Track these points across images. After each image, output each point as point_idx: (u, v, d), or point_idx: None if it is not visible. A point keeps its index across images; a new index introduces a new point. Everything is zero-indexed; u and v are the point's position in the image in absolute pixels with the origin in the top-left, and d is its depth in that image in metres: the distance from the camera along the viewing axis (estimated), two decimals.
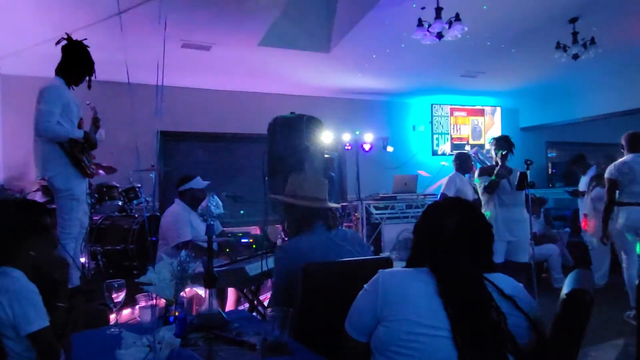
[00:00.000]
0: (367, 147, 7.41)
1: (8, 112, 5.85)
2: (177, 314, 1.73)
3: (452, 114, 8.86)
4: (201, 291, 3.74)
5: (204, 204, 2.03)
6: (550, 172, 10.28)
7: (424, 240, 1.54)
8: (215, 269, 3.59)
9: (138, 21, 4.81)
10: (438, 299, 1.35)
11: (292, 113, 3.85)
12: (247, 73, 6.69)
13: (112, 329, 1.86)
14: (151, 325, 1.37)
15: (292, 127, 3.72)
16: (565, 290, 1.34)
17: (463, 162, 5.09)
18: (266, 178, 3.53)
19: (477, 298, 1.38)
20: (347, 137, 7.25)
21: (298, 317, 1.79)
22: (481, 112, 9.13)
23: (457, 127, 8.89)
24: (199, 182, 3.96)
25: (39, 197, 5.00)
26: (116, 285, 1.86)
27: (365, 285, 1.48)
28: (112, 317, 2.19)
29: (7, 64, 5.66)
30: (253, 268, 2.90)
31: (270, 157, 3.68)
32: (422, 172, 8.28)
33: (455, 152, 6.51)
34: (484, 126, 9.09)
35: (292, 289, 1.87)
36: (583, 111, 8.61)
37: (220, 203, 1.93)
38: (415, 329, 1.33)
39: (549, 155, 10.44)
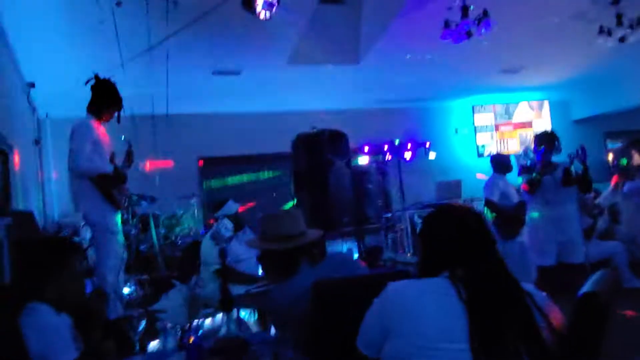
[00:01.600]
0: (408, 155, 7.25)
1: (60, 154, 6.21)
2: (192, 339, 1.70)
3: (497, 129, 8.54)
4: (243, 314, 3.75)
5: (215, 227, 2.00)
6: (612, 164, 9.64)
7: (439, 247, 1.44)
8: (252, 290, 3.61)
9: (167, 54, 4.98)
10: (456, 309, 1.26)
11: (313, 128, 3.81)
12: (279, 93, 6.76)
13: (135, 358, 1.86)
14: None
15: (313, 142, 3.69)
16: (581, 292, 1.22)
17: (501, 163, 4.86)
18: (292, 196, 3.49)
19: (513, 306, 1.29)
20: (385, 147, 7.12)
21: (312, 337, 1.72)
22: (529, 125, 8.72)
23: (504, 142, 8.55)
24: (230, 207, 3.99)
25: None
26: (136, 315, 1.87)
27: (374, 299, 1.41)
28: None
29: (55, 107, 6.02)
30: None
31: (295, 174, 3.65)
32: (480, 176, 7.97)
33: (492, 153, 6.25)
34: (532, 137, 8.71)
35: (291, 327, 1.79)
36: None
37: (230, 226, 1.90)
38: (427, 343, 1.25)
39: (609, 146, 9.81)
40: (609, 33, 5.41)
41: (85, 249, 5.16)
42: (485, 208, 4.74)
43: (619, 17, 5.29)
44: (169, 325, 1.76)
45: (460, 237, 1.40)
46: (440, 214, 1.52)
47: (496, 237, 4.32)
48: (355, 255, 5.90)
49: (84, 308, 2.07)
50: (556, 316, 1.35)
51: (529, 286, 1.39)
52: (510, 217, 4.50)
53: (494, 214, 4.59)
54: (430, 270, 1.41)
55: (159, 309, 1.72)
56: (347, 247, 6.87)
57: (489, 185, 4.74)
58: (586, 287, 1.26)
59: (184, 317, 1.70)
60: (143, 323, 1.85)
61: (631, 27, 5.30)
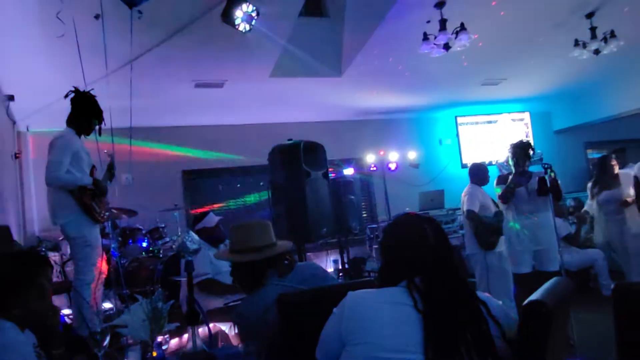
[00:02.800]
0: (392, 166, 7.29)
1: (40, 167, 6.15)
2: (154, 354, 1.69)
3: (480, 140, 8.65)
4: (225, 327, 3.72)
5: (180, 239, 1.99)
6: (591, 173, 9.77)
7: (397, 256, 1.46)
8: (230, 303, 3.58)
9: (148, 67, 4.99)
10: (413, 319, 1.27)
11: (289, 140, 3.83)
12: (262, 105, 6.78)
13: None
14: None
15: (289, 154, 3.69)
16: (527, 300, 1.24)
17: (479, 173, 4.89)
18: (270, 208, 3.48)
19: (468, 316, 1.30)
20: (371, 158, 7.16)
21: (279, 349, 1.72)
22: (511, 136, 8.72)
23: (487, 153, 8.59)
24: (211, 220, 3.96)
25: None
26: (99, 330, 1.84)
27: (334, 309, 1.42)
28: None
29: (35, 121, 5.99)
30: None
31: (272, 187, 3.65)
32: None
33: (492, 161, 6.29)
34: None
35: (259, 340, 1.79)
36: (619, 107, 8.19)
37: (196, 238, 1.90)
38: (379, 353, 1.25)
39: (589, 156, 9.95)
40: (584, 46, 5.53)
41: (64, 263, 5.12)
42: (467, 219, 4.76)
43: (593, 30, 5.42)
44: (130, 340, 1.74)
45: (417, 246, 1.41)
46: (398, 224, 1.53)
47: (477, 248, 4.35)
48: (330, 269, 5.89)
49: (49, 325, 2.03)
50: (510, 324, 1.36)
51: (484, 295, 1.40)
52: (490, 227, 4.52)
53: (475, 225, 4.62)
54: (389, 280, 1.41)
55: (120, 324, 1.69)
56: (332, 259, 6.90)
57: (469, 195, 4.76)
58: (534, 295, 1.28)
59: (146, 332, 1.68)
60: (107, 338, 1.83)
61: (605, 40, 5.42)
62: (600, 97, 8.22)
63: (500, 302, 1.43)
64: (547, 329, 1.21)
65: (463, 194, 4.77)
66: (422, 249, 1.41)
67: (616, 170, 5.15)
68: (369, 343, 1.27)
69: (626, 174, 5.00)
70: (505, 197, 4.14)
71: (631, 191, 4.76)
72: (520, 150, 4.14)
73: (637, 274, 4.82)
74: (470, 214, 4.64)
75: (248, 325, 1.90)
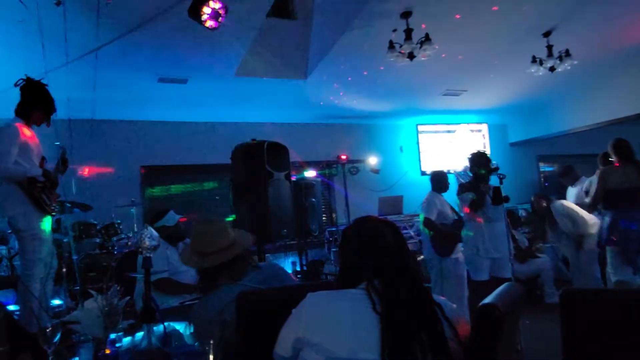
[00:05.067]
0: (354, 170, 7.38)
1: None
2: (108, 352, 1.65)
3: (439, 149, 8.86)
4: (179, 326, 3.66)
5: (139, 235, 1.96)
6: (542, 185, 10.20)
7: (356, 258, 1.47)
8: (186, 302, 3.54)
9: (111, 58, 4.86)
10: (370, 321, 1.29)
11: (253, 140, 3.82)
12: (225, 103, 6.72)
13: None
14: None
15: (252, 154, 3.68)
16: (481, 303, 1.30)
17: (440, 181, 5.02)
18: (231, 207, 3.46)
19: (424, 317, 1.33)
20: (332, 161, 7.22)
21: (236, 349, 1.72)
22: (469, 146, 9.03)
23: (446, 161, 8.79)
24: (171, 218, 3.90)
25: None
26: (50, 326, 1.79)
27: (293, 310, 1.43)
28: None
29: None
30: None
31: (234, 186, 3.63)
32: None
33: (449, 170, 6.44)
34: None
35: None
36: (570, 123, 8.58)
37: (155, 235, 1.87)
38: (337, 354, 1.27)
39: (541, 169, 10.38)
40: (541, 63, 5.78)
41: (11, 257, 4.91)
42: (423, 226, 4.87)
43: (549, 48, 5.67)
44: (83, 337, 1.70)
45: (376, 249, 1.43)
46: (358, 227, 1.54)
47: (433, 254, 4.46)
48: (289, 270, 5.89)
49: None
50: (464, 327, 1.42)
51: (439, 298, 1.45)
52: (447, 234, 4.64)
53: (431, 232, 4.73)
54: (348, 282, 1.43)
55: (73, 320, 1.65)
56: (290, 260, 6.90)
57: (427, 203, 4.87)
58: (488, 299, 1.34)
59: (100, 328, 1.65)
60: (58, 335, 1.78)
61: (560, 58, 5.68)
62: (553, 112, 8.60)
63: (455, 306, 1.48)
64: (498, 331, 1.27)
65: (423, 201, 4.88)
66: (382, 251, 1.43)
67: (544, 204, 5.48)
68: (327, 344, 1.28)
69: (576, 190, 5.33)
70: (477, 205, 4.23)
71: (586, 199, 5.00)
72: (484, 160, 4.28)
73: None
74: (426, 221, 4.75)
75: (204, 325, 1.89)
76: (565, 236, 5.33)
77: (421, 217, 4.87)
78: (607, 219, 4.45)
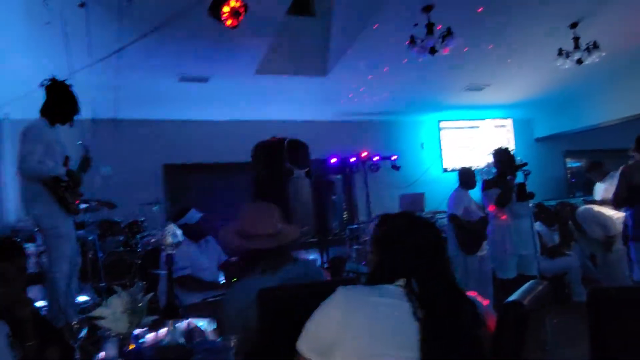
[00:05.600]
0: (374, 168, 7.34)
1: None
2: (132, 347, 1.67)
3: (462, 145, 8.73)
4: (201, 323, 3.69)
5: (164, 232, 1.96)
6: (569, 181, 9.97)
7: (395, 255, 1.40)
8: (209, 299, 3.56)
9: (133, 59, 4.92)
10: (409, 319, 1.26)
11: (273, 137, 3.82)
12: (246, 102, 6.75)
13: None
14: None
15: (273, 151, 3.68)
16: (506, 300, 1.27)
17: (467, 178, 4.95)
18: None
19: (462, 318, 1.30)
20: (352, 159, 7.19)
21: (259, 345, 1.72)
22: (493, 141, 8.86)
23: (469, 158, 8.68)
24: (192, 216, 3.93)
25: None
26: (76, 322, 1.81)
27: (323, 303, 1.36)
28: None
29: (15, 109, 5.85)
30: None
31: (255, 183, 3.64)
32: None
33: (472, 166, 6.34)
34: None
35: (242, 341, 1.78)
36: (598, 117, 8.36)
37: (178, 232, 1.88)
38: (375, 350, 1.24)
39: (568, 165, 10.15)
40: (567, 55, 5.64)
41: (39, 254, 5.02)
42: (450, 223, 4.81)
43: (576, 40, 5.53)
44: (108, 333, 1.72)
45: (416, 246, 1.38)
46: (397, 222, 1.48)
47: (458, 251, 4.39)
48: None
49: (20, 316, 1.99)
50: (492, 324, 1.38)
51: (472, 297, 1.41)
52: (473, 232, 4.58)
53: (457, 229, 4.68)
54: (383, 278, 1.38)
55: (97, 315, 1.67)
56: (311, 258, 6.89)
57: (454, 199, 4.82)
58: (513, 296, 1.30)
59: (124, 324, 1.67)
60: (84, 331, 1.80)
61: (588, 50, 5.53)
62: (581, 106, 8.38)
63: (484, 303, 1.45)
64: (523, 329, 1.24)
65: (450, 197, 4.83)
66: (421, 249, 1.38)
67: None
68: (365, 341, 1.24)
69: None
70: (504, 201, 4.15)
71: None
72: (509, 156, 4.20)
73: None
74: (452, 217, 4.69)
75: (233, 313, 1.87)
76: (595, 241, 5.23)
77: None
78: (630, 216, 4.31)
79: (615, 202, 4.40)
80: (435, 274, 1.35)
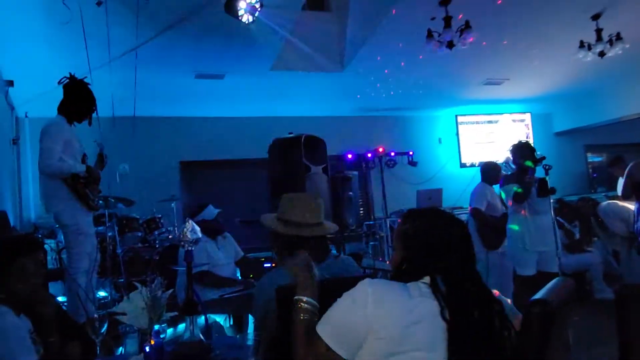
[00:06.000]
0: (391, 163, 7.30)
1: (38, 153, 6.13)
2: (152, 342, 1.67)
3: (480, 140, 8.63)
4: (219, 318, 3.71)
5: (180, 229, 1.96)
6: (590, 176, 9.79)
7: (422, 252, 1.36)
8: (226, 295, 3.57)
9: (150, 57, 4.95)
10: (436, 318, 1.23)
11: (290, 133, 3.81)
12: (262, 98, 6.76)
13: None
14: None
15: (289, 148, 3.66)
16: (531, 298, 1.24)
17: (490, 173, 4.88)
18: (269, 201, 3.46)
19: (490, 318, 1.28)
20: (369, 155, 7.15)
21: (278, 343, 1.71)
22: (512, 136, 8.74)
23: (487, 153, 8.56)
24: (210, 212, 3.95)
25: None
26: (98, 317, 1.83)
27: (347, 294, 1.32)
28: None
29: (34, 107, 5.94)
30: None
31: (271, 180, 3.63)
32: None
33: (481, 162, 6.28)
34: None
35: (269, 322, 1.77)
36: (620, 111, 8.18)
37: (197, 228, 1.88)
38: (402, 348, 1.21)
39: (589, 159, 9.96)
40: (589, 47, 5.52)
41: (60, 250, 5.10)
42: (471, 217, 4.77)
43: (598, 32, 5.40)
44: (129, 328, 1.73)
45: (445, 243, 1.35)
46: (427, 217, 1.44)
47: (480, 246, 4.33)
48: None
49: (42, 313, 2.01)
50: (517, 323, 1.35)
51: (498, 295, 1.38)
52: (496, 227, 4.52)
53: (479, 224, 4.63)
54: (408, 276, 1.34)
55: (119, 311, 1.68)
56: None
57: (477, 194, 4.76)
58: (538, 294, 1.27)
59: (145, 320, 1.67)
60: (105, 326, 1.82)
61: (610, 42, 5.40)
62: (602, 100, 8.21)
63: (510, 301, 1.42)
64: (549, 328, 1.21)
65: (472, 192, 4.78)
66: (448, 247, 1.35)
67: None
68: (393, 337, 1.22)
69: None
70: (523, 197, 4.08)
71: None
72: (529, 151, 4.13)
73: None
74: (475, 212, 4.65)
75: (263, 300, 1.85)
76: (618, 236, 5.13)
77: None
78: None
79: (622, 196, 4.66)
80: (461, 272, 1.32)
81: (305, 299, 1.46)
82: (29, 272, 1.95)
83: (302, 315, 1.43)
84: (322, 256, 2.01)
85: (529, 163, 4.04)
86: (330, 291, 1.73)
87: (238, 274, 4.20)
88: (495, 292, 1.41)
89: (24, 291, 1.93)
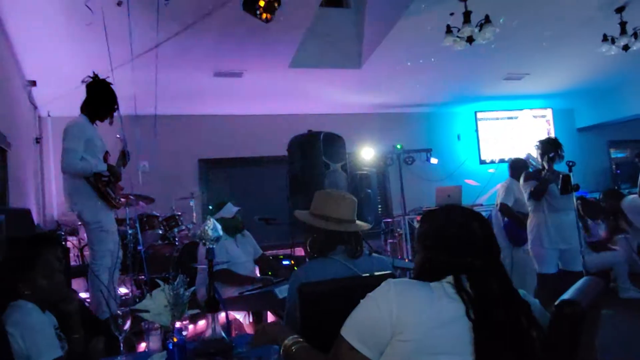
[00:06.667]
0: (409, 161, 7.25)
1: (60, 152, 6.23)
2: (175, 340, 1.68)
3: (500, 136, 8.51)
4: (239, 315, 3.72)
5: (202, 227, 1.97)
6: (614, 172, 9.58)
7: (444, 250, 1.32)
8: (245, 293, 3.59)
9: (170, 55, 4.98)
10: (461, 319, 1.19)
11: (309, 131, 3.79)
12: (281, 95, 6.76)
13: (120, 358, 1.84)
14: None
15: (308, 145, 3.65)
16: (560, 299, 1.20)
17: (519, 169, 4.82)
18: (288, 199, 3.46)
19: (517, 320, 1.24)
20: (388, 152, 7.11)
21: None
22: (532, 132, 8.64)
23: (507, 149, 8.46)
24: (229, 210, 3.96)
25: None
26: (121, 314, 1.84)
27: (371, 294, 1.29)
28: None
29: (56, 107, 6.04)
30: (282, 290, 2.83)
31: (291, 178, 3.62)
32: (470, 181, 7.99)
33: (509, 158, 6.19)
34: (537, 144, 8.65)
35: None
36: None
37: (218, 226, 1.88)
38: (428, 350, 1.18)
39: (612, 155, 9.75)
40: (613, 41, 5.39)
41: (82, 248, 5.18)
42: (499, 212, 4.73)
43: (622, 25, 5.28)
44: (152, 325, 1.74)
45: (467, 241, 1.31)
46: (444, 217, 1.39)
47: (506, 242, 4.27)
48: None
49: (67, 310, 2.05)
50: (545, 324, 1.31)
51: (526, 295, 1.34)
52: (522, 223, 4.47)
53: (507, 219, 4.59)
54: (431, 275, 1.31)
55: (142, 308, 1.69)
56: None
57: (505, 189, 4.72)
58: (566, 295, 1.23)
59: (167, 317, 1.68)
60: (128, 322, 1.83)
61: (635, 35, 5.27)
62: (626, 94, 8.03)
63: (537, 301, 1.38)
64: (578, 329, 1.17)
65: (500, 187, 4.74)
66: (471, 244, 1.30)
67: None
68: (419, 341, 1.18)
69: None
70: (538, 194, 4.03)
71: None
72: (552, 147, 4.05)
73: None
74: (503, 207, 4.61)
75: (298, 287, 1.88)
76: None
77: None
78: None
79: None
80: (485, 269, 1.28)
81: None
82: (54, 268, 1.99)
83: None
84: (358, 253, 2.06)
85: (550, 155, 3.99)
86: (334, 292, 1.75)
87: (257, 272, 4.22)
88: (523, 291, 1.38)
89: (49, 287, 1.96)
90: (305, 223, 2.10)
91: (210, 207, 4.15)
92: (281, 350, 1.49)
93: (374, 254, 2.19)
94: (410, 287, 1.27)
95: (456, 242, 1.31)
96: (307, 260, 2.22)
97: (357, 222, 2.10)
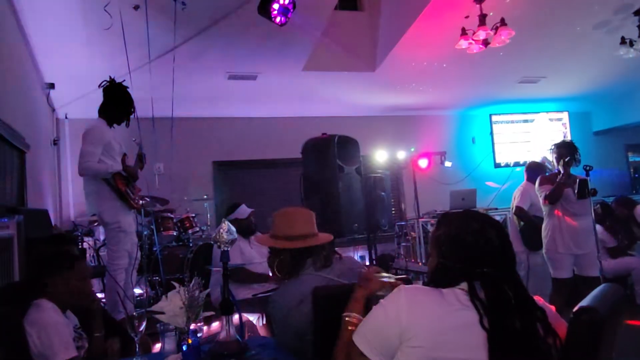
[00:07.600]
0: (423, 164, 7.21)
1: (77, 154, 6.32)
2: (190, 341, 1.69)
3: (515, 140, 8.44)
4: (252, 317, 3.74)
5: (216, 229, 1.98)
6: (632, 176, 9.43)
7: (458, 256, 1.31)
8: (258, 295, 3.60)
9: (185, 58, 5.03)
10: (475, 327, 1.18)
11: (323, 134, 3.80)
12: (295, 98, 6.78)
13: (135, 359, 1.86)
14: None
15: (322, 148, 3.66)
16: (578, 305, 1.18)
17: (535, 172, 4.77)
18: (302, 201, 3.47)
19: (533, 329, 1.22)
20: (401, 154, 7.08)
21: (315, 344, 1.71)
22: (548, 135, 8.54)
23: (522, 152, 8.39)
24: (242, 211, 3.99)
25: None
26: (137, 315, 1.86)
27: (383, 301, 1.30)
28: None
29: (74, 109, 6.13)
30: None
31: (305, 180, 3.63)
32: (490, 183, 7.93)
33: (524, 161, 6.15)
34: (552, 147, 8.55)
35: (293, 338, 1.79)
36: None
37: (233, 229, 1.89)
38: (433, 356, 1.18)
39: (630, 159, 9.60)
40: (631, 44, 5.32)
41: (97, 249, 5.24)
42: (515, 216, 4.69)
43: None
44: (167, 326, 1.76)
45: (481, 246, 1.29)
46: (459, 222, 1.37)
47: (522, 247, 4.24)
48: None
49: (91, 310, 2.10)
50: (562, 331, 1.29)
51: (540, 302, 1.32)
52: (539, 228, 4.43)
53: (523, 223, 4.55)
54: (443, 280, 1.30)
55: (157, 310, 1.71)
56: (359, 255, 6.87)
57: (522, 193, 4.68)
58: (585, 301, 1.22)
59: (183, 319, 1.70)
60: (144, 323, 1.85)
61: None
62: None
63: (553, 308, 1.36)
64: (597, 338, 1.15)
65: (516, 191, 4.71)
66: (485, 251, 1.29)
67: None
68: (430, 348, 1.18)
69: None
70: (554, 197, 3.99)
71: None
72: (567, 151, 4.01)
73: None
74: (519, 210, 4.57)
75: (282, 314, 1.88)
76: None
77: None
78: None
79: None
80: (500, 277, 1.26)
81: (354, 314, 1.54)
82: (87, 274, 2.12)
83: (349, 327, 1.48)
84: (329, 261, 2.04)
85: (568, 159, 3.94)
86: (345, 297, 1.74)
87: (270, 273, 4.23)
88: (539, 298, 1.36)
89: (79, 290, 2.03)
90: (275, 247, 2.05)
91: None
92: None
93: (343, 256, 2.17)
94: (421, 294, 1.27)
95: (472, 250, 1.30)
96: (279, 284, 2.20)
97: (320, 234, 2.07)
